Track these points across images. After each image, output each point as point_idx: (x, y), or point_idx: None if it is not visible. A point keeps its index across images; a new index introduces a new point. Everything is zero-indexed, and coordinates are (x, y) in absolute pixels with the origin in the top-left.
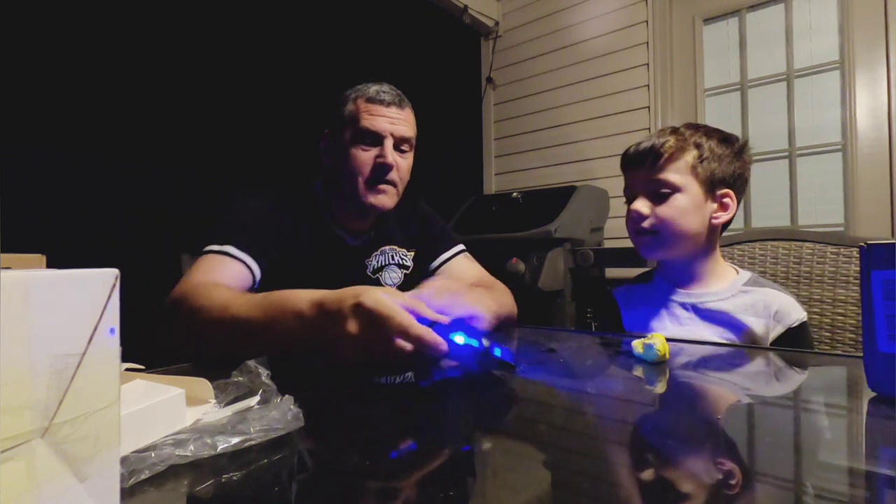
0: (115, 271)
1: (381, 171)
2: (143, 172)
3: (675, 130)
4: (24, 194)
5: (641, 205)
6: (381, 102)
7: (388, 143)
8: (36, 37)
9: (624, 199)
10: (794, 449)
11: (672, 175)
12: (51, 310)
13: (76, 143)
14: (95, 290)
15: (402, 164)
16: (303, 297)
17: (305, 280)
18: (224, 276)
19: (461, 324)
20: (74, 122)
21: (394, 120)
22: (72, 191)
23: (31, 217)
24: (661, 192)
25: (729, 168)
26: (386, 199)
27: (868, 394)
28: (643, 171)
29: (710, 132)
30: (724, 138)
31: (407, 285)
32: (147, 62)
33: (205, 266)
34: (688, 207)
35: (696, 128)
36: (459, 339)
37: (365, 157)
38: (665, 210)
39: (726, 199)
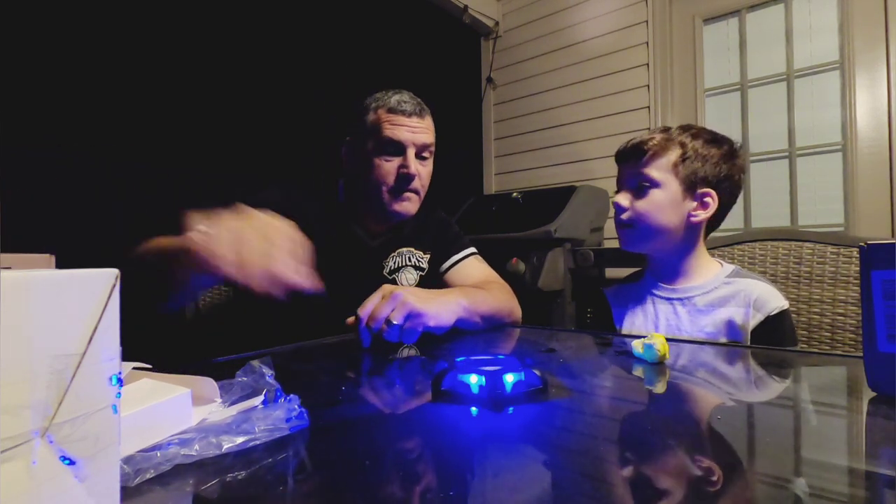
0: (115, 271)
1: (404, 180)
2: (149, 173)
3: (665, 129)
4: (35, 194)
5: (622, 197)
6: (403, 113)
7: (411, 152)
8: (44, 38)
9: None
10: (793, 449)
11: (653, 171)
12: (51, 310)
13: (85, 144)
14: (95, 290)
15: (423, 172)
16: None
17: (322, 276)
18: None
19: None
20: (85, 123)
21: (415, 129)
22: (80, 191)
23: (41, 217)
24: (641, 186)
25: (714, 169)
26: (409, 205)
27: (868, 394)
28: (629, 165)
29: (699, 133)
30: (713, 140)
31: (422, 286)
32: (159, 63)
33: None
34: (664, 203)
35: (688, 129)
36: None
37: (388, 167)
38: (642, 204)
39: (707, 199)
